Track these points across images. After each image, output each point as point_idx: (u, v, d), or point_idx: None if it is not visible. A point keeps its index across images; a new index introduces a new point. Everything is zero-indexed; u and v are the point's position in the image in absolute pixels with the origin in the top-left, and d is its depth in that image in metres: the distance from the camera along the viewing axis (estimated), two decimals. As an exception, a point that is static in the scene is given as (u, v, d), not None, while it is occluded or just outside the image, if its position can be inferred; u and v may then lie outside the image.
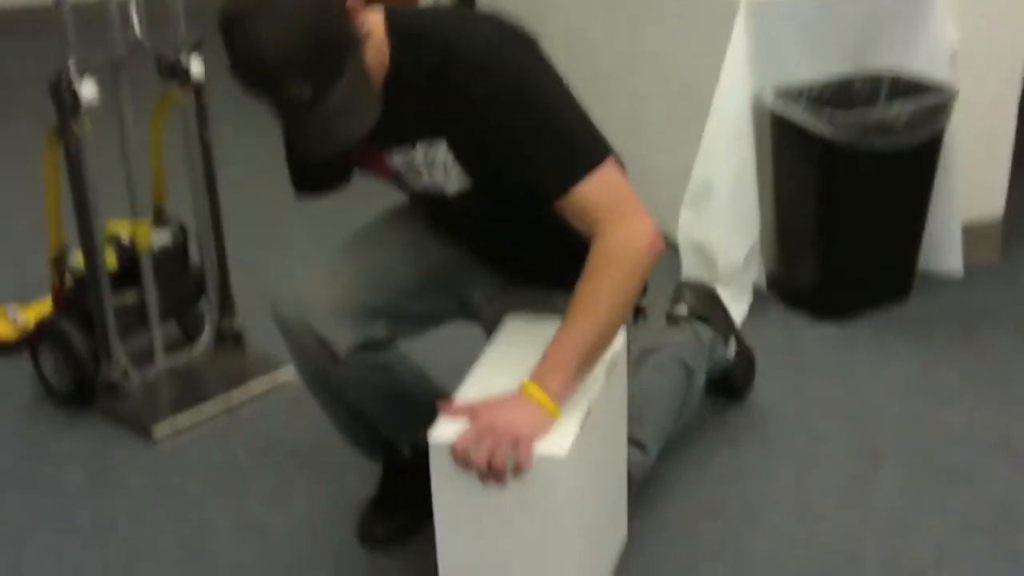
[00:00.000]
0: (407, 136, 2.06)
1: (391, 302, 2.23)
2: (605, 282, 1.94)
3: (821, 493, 2.52)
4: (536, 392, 1.91)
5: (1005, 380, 2.90)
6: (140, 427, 2.80)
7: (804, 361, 3.01)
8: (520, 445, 1.87)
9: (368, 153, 2.13)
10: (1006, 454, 2.62)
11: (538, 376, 1.93)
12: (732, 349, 2.76)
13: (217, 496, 2.59)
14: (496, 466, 1.87)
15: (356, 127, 1.92)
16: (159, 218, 2.99)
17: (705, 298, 2.79)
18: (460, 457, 1.89)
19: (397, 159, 2.11)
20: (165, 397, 2.92)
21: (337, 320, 2.15)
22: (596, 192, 1.95)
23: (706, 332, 2.69)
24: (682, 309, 2.73)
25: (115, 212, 2.91)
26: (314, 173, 2.21)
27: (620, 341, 2.17)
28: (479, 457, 1.87)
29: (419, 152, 2.07)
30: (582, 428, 1.95)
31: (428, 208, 2.28)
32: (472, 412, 1.93)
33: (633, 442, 2.36)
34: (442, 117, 2.00)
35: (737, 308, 3.19)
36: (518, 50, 2.00)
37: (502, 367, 2.06)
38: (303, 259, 2.26)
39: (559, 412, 1.93)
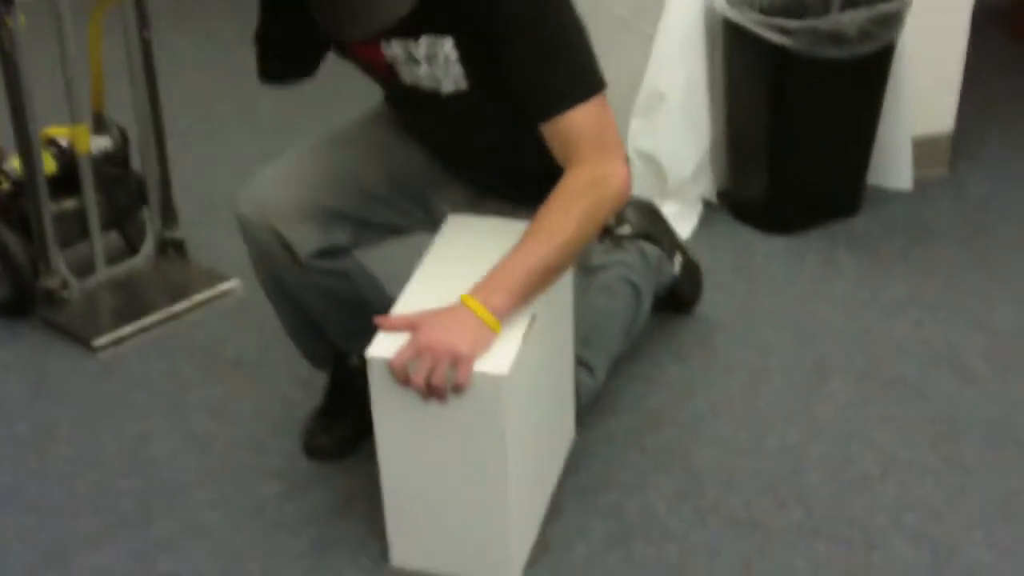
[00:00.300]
0: (415, 27, 1.99)
1: (356, 207, 2.19)
2: (574, 211, 1.91)
3: (768, 405, 2.52)
4: (477, 307, 1.88)
5: (952, 294, 2.91)
6: (80, 337, 2.75)
7: (753, 274, 3.00)
8: (459, 364, 1.84)
9: (364, 39, 2.07)
10: (951, 367, 2.63)
11: (482, 291, 1.89)
12: (678, 264, 2.74)
13: (160, 407, 2.56)
14: (435, 385, 1.84)
15: (393, 8, 1.88)
16: (99, 124, 2.92)
17: (648, 215, 2.75)
18: (399, 374, 1.86)
19: (395, 48, 2.04)
20: (106, 307, 2.87)
21: (301, 222, 2.12)
22: (585, 121, 1.93)
23: (652, 250, 2.66)
24: (625, 229, 2.70)
25: (52, 120, 2.84)
26: (283, 60, 2.17)
27: None
28: (417, 376, 1.84)
29: (423, 44, 2.01)
30: (524, 342, 1.92)
31: (407, 109, 2.23)
32: (411, 326, 1.89)
33: (581, 364, 2.35)
34: (459, 13, 1.93)
35: (687, 221, 3.18)
36: None
37: (443, 274, 2.02)
38: (268, 161, 2.19)
39: (500, 328, 1.89)
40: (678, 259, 2.74)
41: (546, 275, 1.93)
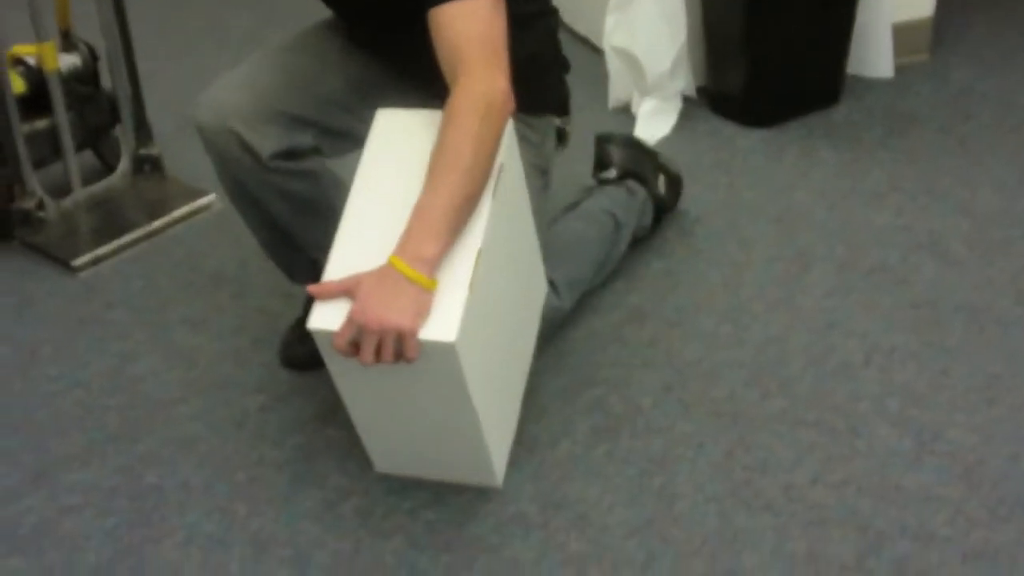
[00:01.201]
0: None
1: (316, 112, 2.15)
2: (469, 131, 1.83)
3: (750, 296, 2.52)
4: (407, 270, 1.79)
5: (932, 180, 2.89)
6: (59, 258, 2.74)
7: (733, 168, 2.99)
8: (404, 339, 1.78)
9: None
10: (933, 253, 2.62)
11: (408, 247, 1.80)
12: (662, 183, 2.72)
13: (141, 324, 2.55)
14: (384, 360, 1.80)
15: None
16: (67, 42, 2.89)
17: (630, 150, 2.71)
18: (344, 350, 1.81)
19: None
20: (84, 227, 2.85)
21: (260, 123, 2.08)
22: (473, 23, 1.86)
23: (639, 189, 2.64)
24: (611, 173, 2.68)
25: (18, 40, 2.80)
26: None
27: (506, 144, 1.98)
28: (364, 356, 1.79)
29: None
30: (470, 290, 1.83)
31: (349, 12, 2.20)
32: (346, 293, 1.82)
33: (550, 284, 2.32)
34: None
35: (666, 117, 3.16)
36: None
37: (380, 188, 1.94)
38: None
39: (435, 284, 1.81)
40: (662, 180, 2.72)
41: (463, 206, 1.84)
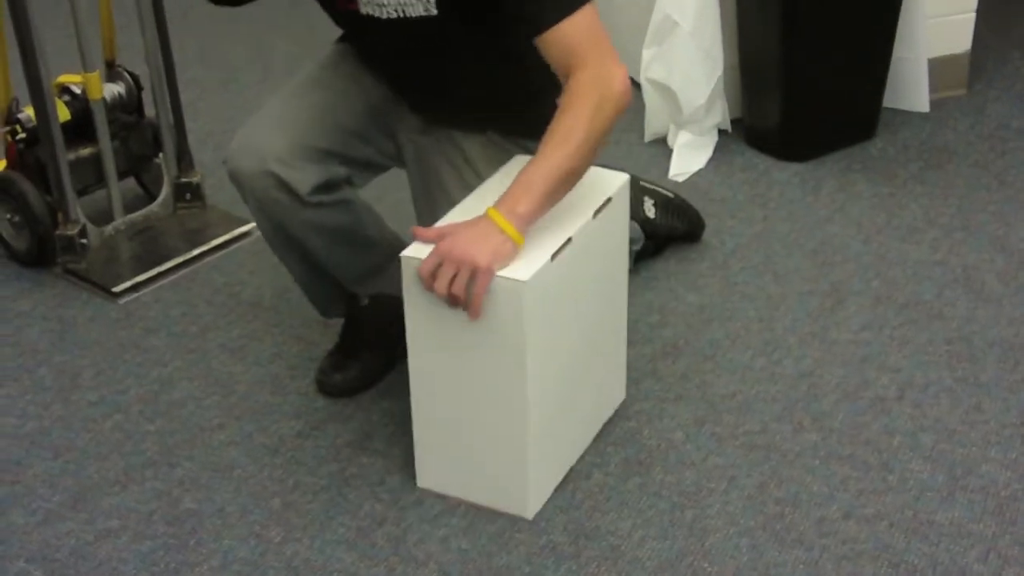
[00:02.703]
0: None
1: (341, 145, 2.20)
2: (582, 113, 1.93)
3: (784, 330, 2.53)
4: (499, 219, 1.91)
5: (968, 215, 2.89)
6: (101, 284, 2.78)
7: (768, 201, 3.00)
8: (477, 274, 1.88)
9: None
10: (967, 288, 2.63)
11: (506, 202, 1.92)
12: (650, 207, 2.74)
13: (180, 350, 2.58)
14: (455, 292, 1.89)
15: None
16: (111, 72, 2.94)
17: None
18: (425, 279, 1.92)
19: None
20: (125, 254, 2.89)
21: (296, 161, 2.13)
22: (581, 30, 1.95)
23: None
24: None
25: (65, 69, 2.86)
26: None
27: (619, 183, 2.14)
28: (439, 284, 1.90)
29: None
30: (553, 259, 1.95)
31: (362, 42, 2.23)
32: (439, 236, 1.94)
33: None
34: None
35: (702, 150, 3.17)
36: None
37: (491, 197, 2.04)
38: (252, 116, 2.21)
39: (523, 240, 1.93)
40: (648, 203, 2.73)
41: (565, 179, 1.95)
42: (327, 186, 2.17)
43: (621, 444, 2.25)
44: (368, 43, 2.22)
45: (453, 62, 2.11)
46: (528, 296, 1.91)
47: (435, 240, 1.95)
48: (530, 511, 2.10)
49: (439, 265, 1.90)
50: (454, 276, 1.89)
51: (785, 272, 2.71)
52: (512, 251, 1.92)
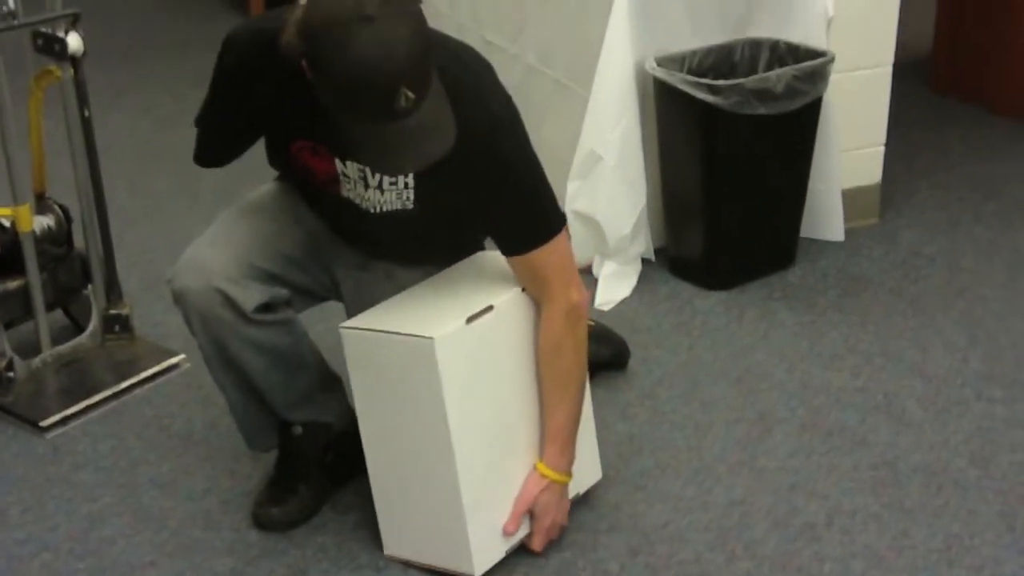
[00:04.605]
0: None
1: (282, 269, 2.26)
2: (572, 354, 2.22)
3: (713, 458, 2.57)
4: (562, 478, 2.28)
5: (886, 342, 2.98)
6: (28, 418, 2.74)
7: (693, 329, 3.06)
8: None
9: (317, 152, 2.15)
10: (889, 414, 2.69)
11: (555, 464, 2.26)
12: None
13: (110, 486, 2.55)
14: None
15: (441, 143, 1.93)
16: (41, 204, 2.94)
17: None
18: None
19: (351, 168, 2.13)
20: (53, 387, 2.86)
21: (242, 279, 2.18)
22: (552, 258, 2.16)
23: None
24: None
25: (-7, 200, 2.86)
26: (221, 148, 2.27)
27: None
28: (539, 546, 2.29)
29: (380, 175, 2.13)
30: (469, 322, 2.12)
31: (329, 213, 2.30)
32: (527, 509, 2.26)
33: None
34: (456, 154, 1.98)
35: (626, 280, 3.23)
36: (518, 119, 2.13)
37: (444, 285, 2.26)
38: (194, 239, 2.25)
39: (570, 477, 2.30)
40: None
41: (579, 410, 2.27)
42: (270, 306, 2.21)
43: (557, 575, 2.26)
44: (334, 216, 2.29)
45: (417, 236, 2.24)
46: (439, 351, 2.05)
47: (523, 514, 2.24)
48: (477, 569, 2.17)
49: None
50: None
51: (712, 400, 2.76)
52: (567, 492, 2.31)
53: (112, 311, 3.00)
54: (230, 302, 2.16)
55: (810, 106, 3.17)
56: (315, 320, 2.43)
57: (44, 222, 2.92)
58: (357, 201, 2.18)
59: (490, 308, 2.15)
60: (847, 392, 2.78)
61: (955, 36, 4.46)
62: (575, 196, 3.24)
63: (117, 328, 3.01)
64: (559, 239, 2.16)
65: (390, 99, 1.84)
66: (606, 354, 2.84)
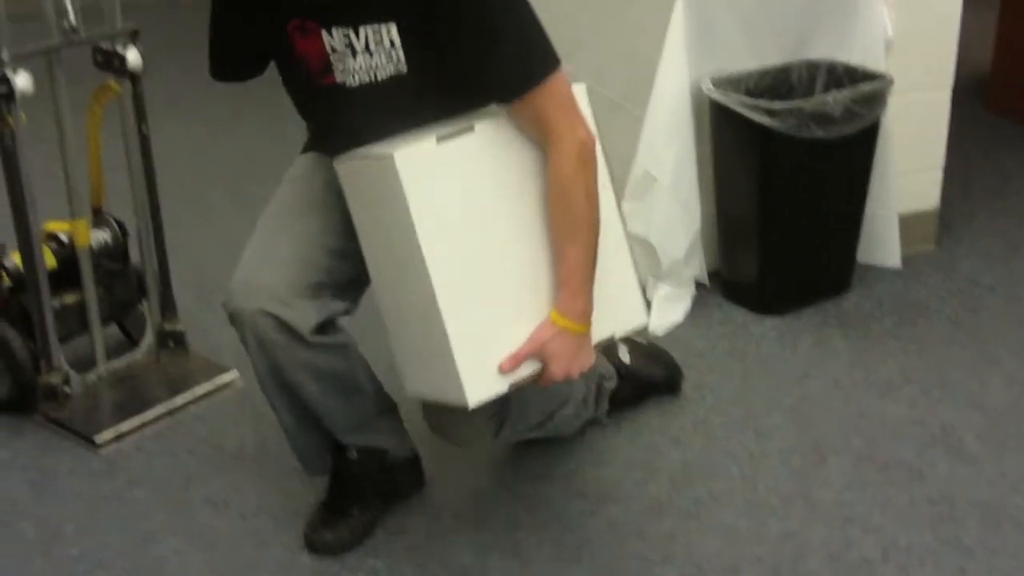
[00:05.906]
0: (358, 15, 2.09)
1: (328, 272, 2.23)
2: (581, 194, 2.09)
3: (767, 489, 2.54)
4: (577, 327, 2.14)
5: (943, 372, 2.94)
6: (83, 433, 2.76)
7: (747, 356, 3.04)
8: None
9: (305, 31, 2.14)
10: (947, 447, 2.66)
11: (568, 310, 2.12)
12: (625, 354, 2.78)
13: (163, 503, 2.57)
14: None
15: None
16: (98, 219, 2.96)
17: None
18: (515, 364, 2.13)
19: (336, 38, 2.12)
20: (107, 402, 2.88)
21: (294, 300, 2.16)
22: (551, 99, 2.08)
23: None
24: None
25: (52, 214, 2.87)
26: (234, 60, 2.30)
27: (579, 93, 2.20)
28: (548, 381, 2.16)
29: (364, 33, 2.09)
30: (439, 142, 2.06)
31: (329, 117, 2.26)
32: (534, 355, 2.12)
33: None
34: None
35: (680, 303, 3.22)
36: None
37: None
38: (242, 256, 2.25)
39: (589, 327, 2.17)
40: (623, 348, 2.77)
41: (594, 255, 2.13)
42: (327, 325, 2.20)
43: (610, 607, 2.25)
44: (338, 119, 2.25)
45: (411, 111, 2.16)
46: (405, 172, 2.01)
47: (526, 359, 2.12)
48: (470, 398, 2.08)
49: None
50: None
51: (766, 429, 2.74)
52: (588, 343, 2.17)
53: (167, 326, 3.02)
54: (285, 326, 2.15)
55: (868, 130, 3.14)
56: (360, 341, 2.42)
57: (101, 237, 2.95)
58: (353, 83, 2.14)
59: (470, 129, 2.08)
60: (904, 423, 2.75)
61: (1015, 58, 4.42)
62: (629, 217, 3.21)
63: (171, 343, 3.03)
64: (555, 79, 2.07)
65: None
66: (660, 375, 2.83)
